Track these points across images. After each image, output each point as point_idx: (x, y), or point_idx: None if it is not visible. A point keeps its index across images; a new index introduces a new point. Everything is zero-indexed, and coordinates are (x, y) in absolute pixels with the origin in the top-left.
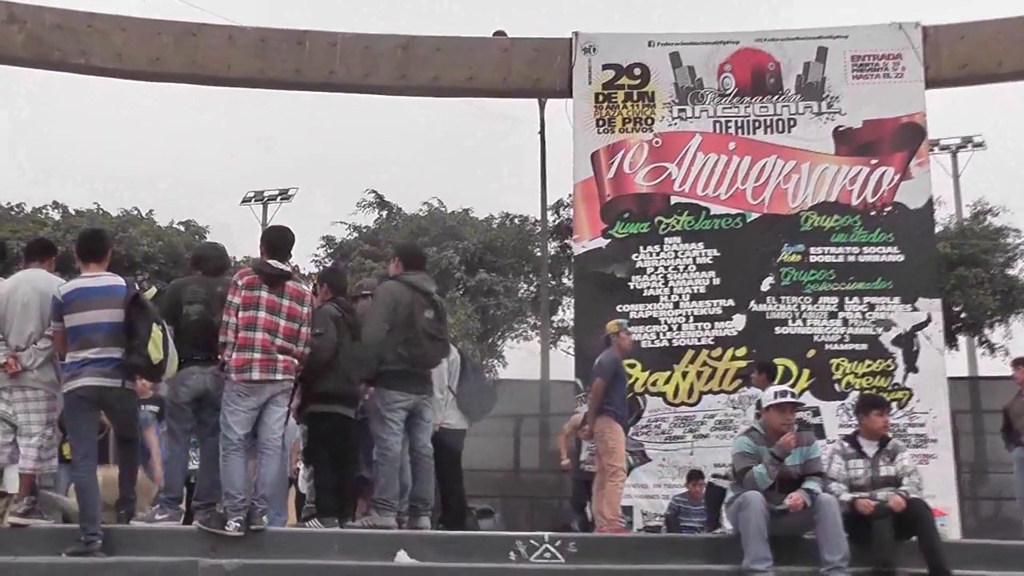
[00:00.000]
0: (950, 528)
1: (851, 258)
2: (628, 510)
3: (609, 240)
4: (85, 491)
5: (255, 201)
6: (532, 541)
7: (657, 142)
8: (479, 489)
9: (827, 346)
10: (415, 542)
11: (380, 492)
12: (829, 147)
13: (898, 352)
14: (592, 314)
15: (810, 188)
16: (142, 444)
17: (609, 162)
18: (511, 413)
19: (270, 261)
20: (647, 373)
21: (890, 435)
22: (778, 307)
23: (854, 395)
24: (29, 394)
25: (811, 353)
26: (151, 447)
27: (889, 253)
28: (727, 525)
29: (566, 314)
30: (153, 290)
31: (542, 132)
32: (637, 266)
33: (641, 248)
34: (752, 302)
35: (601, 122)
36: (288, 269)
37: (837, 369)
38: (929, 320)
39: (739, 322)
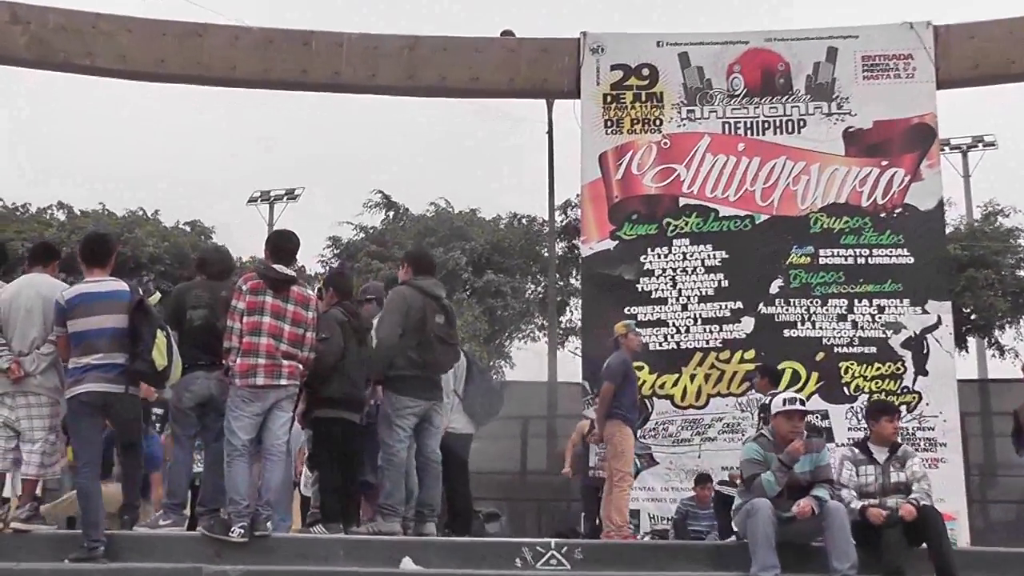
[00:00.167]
0: (959, 532)
1: (860, 260)
2: (635, 513)
3: (617, 242)
4: (87, 497)
5: (261, 201)
6: (538, 548)
7: (665, 143)
8: (486, 492)
9: (836, 349)
10: (421, 548)
11: (386, 498)
12: (839, 148)
13: (907, 355)
14: (600, 316)
15: (819, 189)
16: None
17: (617, 163)
18: (518, 415)
19: (275, 266)
20: (655, 375)
21: (900, 441)
22: (787, 309)
23: (863, 398)
24: (32, 399)
25: (820, 356)
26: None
27: (899, 255)
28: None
29: (574, 315)
30: (157, 295)
31: (550, 132)
32: (645, 268)
33: (649, 250)
34: (761, 304)
35: (609, 123)
36: (293, 274)
37: (846, 372)
38: (939, 323)
39: (747, 324)
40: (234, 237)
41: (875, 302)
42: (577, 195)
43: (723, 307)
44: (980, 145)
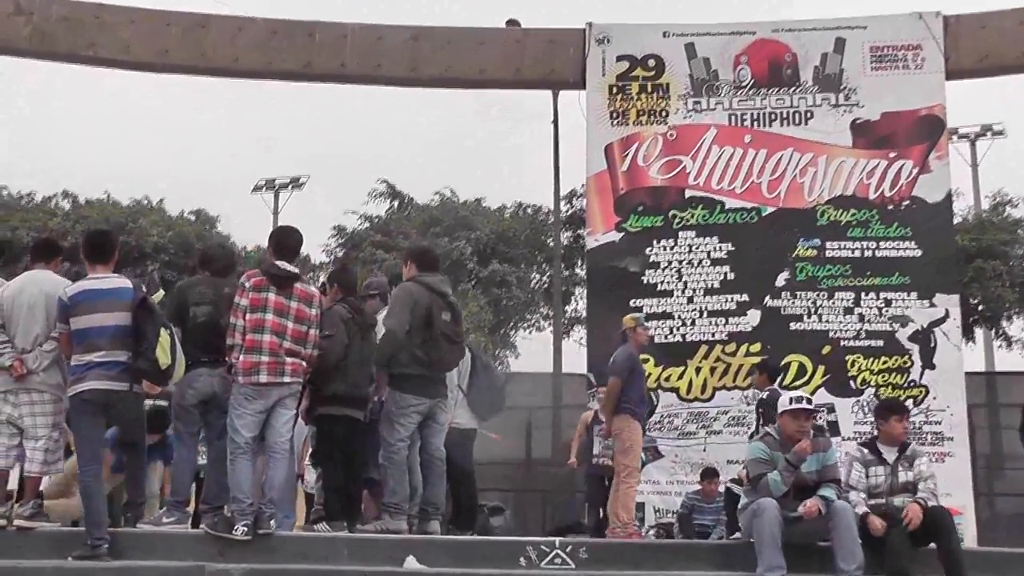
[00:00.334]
0: (966, 527)
1: (868, 253)
2: (640, 506)
3: (623, 234)
4: (91, 495)
5: (266, 189)
6: (543, 547)
7: (672, 135)
8: (491, 483)
9: (843, 342)
10: (425, 547)
11: (390, 496)
12: (846, 140)
13: (915, 349)
14: (605, 308)
15: (827, 182)
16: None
17: (623, 155)
18: (523, 405)
19: (278, 262)
20: (660, 368)
21: (909, 440)
22: (793, 302)
23: (870, 392)
24: (35, 397)
25: (826, 349)
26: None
27: (906, 248)
28: None
29: (579, 304)
30: (161, 292)
31: (555, 121)
32: (651, 260)
33: (655, 242)
34: (767, 297)
35: (615, 114)
36: (296, 270)
37: (853, 366)
38: (947, 316)
39: (753, 317)
40: (239, 226)
41: (882, 295)
42: (583, 185)
43: (729, 300)
44: (988, 134)
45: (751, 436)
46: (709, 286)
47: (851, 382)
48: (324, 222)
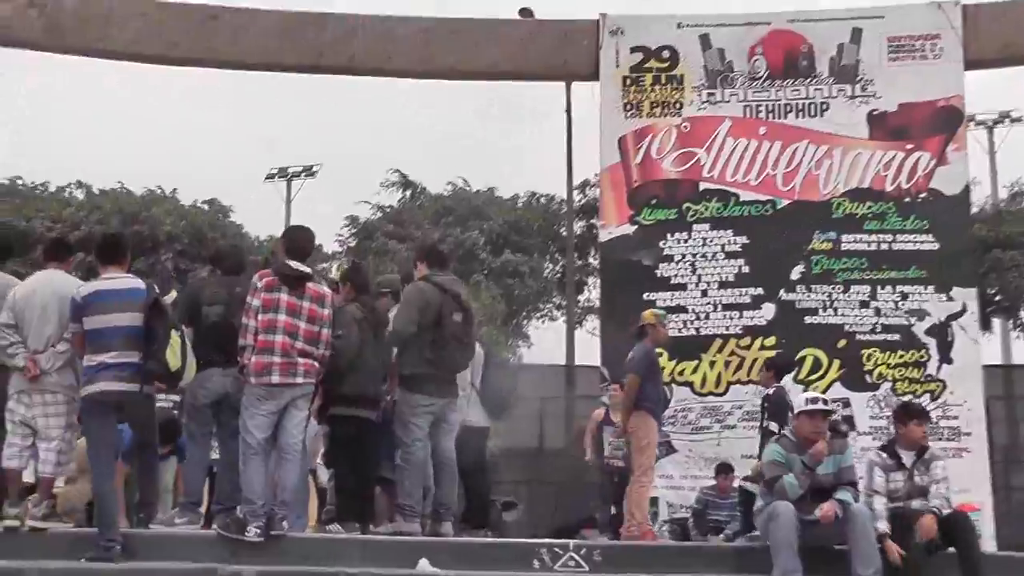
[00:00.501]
0: (984, 523)
1: (884, 246)
2: (654, 501)
3: (636, 227)
4: (103, 497)
5: (279, 178)
6: (556, 549)
7: (686, 127)
8: (504, 473)
9: (858, 336)
10: (438, 549)
11: (405, 498)
12: (863, 132)
13: (932, 343)
14: (618, 301)
15: (842, 174)
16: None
17: (637, 147)
18: (536, 396)
19: (289, 262)
20: (674, 362)
21: (928, 444)
22: (808, 296)
23: (886, 387)
24: (48, 397)
25: (842, 343)
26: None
27: (924, 241)
28: None
29: (592, 294)
30: (173, 293)
31: (568, 111)
32: (664, 253)
33: (669, 235)
34: (782, 291)
35: (629, 106)
36: (308, 270)
37: (869, 360)
38: (964, 310)
39: (768, 311)
40: (252, 216)
41: (899, 289)
42: (596, 174)
43: (743, 293)
44: (1007, 121)
45: (761, 432)
46: (723, 279)
47: (867, 376)
48: (338, 211)
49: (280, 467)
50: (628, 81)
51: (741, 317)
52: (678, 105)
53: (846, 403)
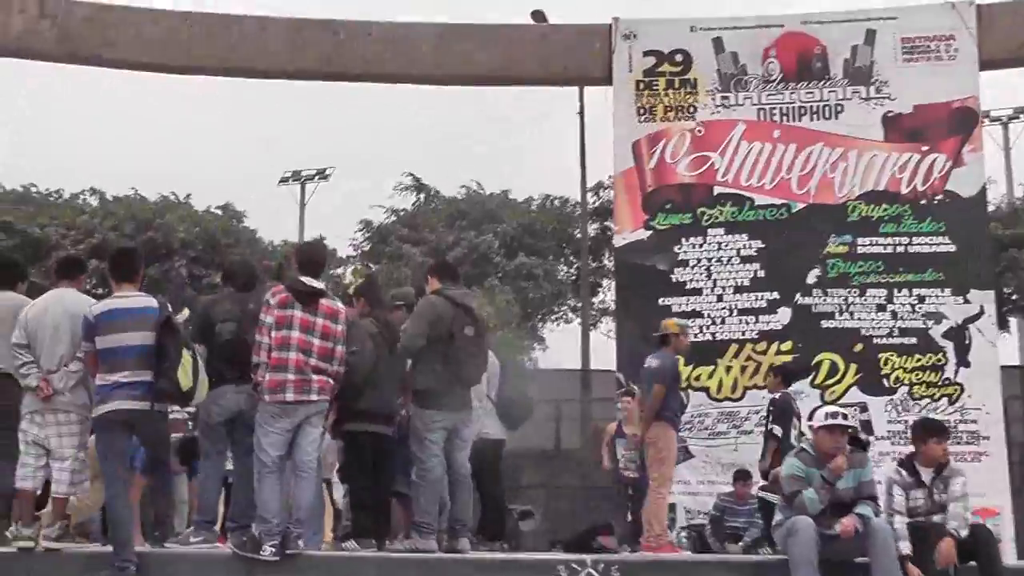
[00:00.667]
0: (1003, 528)
1: (900, 249)
2: (671, 507)
3: (651, 232)
4: (117, 516)
5: (293, 181)
6: (574, 564)
7: (699, 131)
8: (519, 480)
9: (875, 340)
10: (455, 566)
11: (421, 515)
12: (878, 134)
13: (949, 346)
14: (634, 307)
15: (858, 176)
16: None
17: (651, 152)
18: (552, 400)
19: (303, 278)
20: (690, 368)
21: (948, 459)
22: (824, 300)
23: (903, 391)
24: (61, 417)
25: (858, 347)
26: None
27: (940, 243)
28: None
29: (607, 296)
30: (186, 312)
31: (581, 113)
32: (679, 258)
33: (683, 240)
34: (797, 295)
35: (642, 110)
36: (321, 286)
37: (885, 364)
38: (982, 312)
39: (784, 315)
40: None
41: (915, 292)
42: (610, 177)
43: (759, 298)
44: (1022, 116)
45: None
46: (739, 284)
47: (884, 380)
48: (350, 214)
49: (295, 485)
50: (641, 85)
51: (757, 322)
52: (692, 109)
53: (863, 407)
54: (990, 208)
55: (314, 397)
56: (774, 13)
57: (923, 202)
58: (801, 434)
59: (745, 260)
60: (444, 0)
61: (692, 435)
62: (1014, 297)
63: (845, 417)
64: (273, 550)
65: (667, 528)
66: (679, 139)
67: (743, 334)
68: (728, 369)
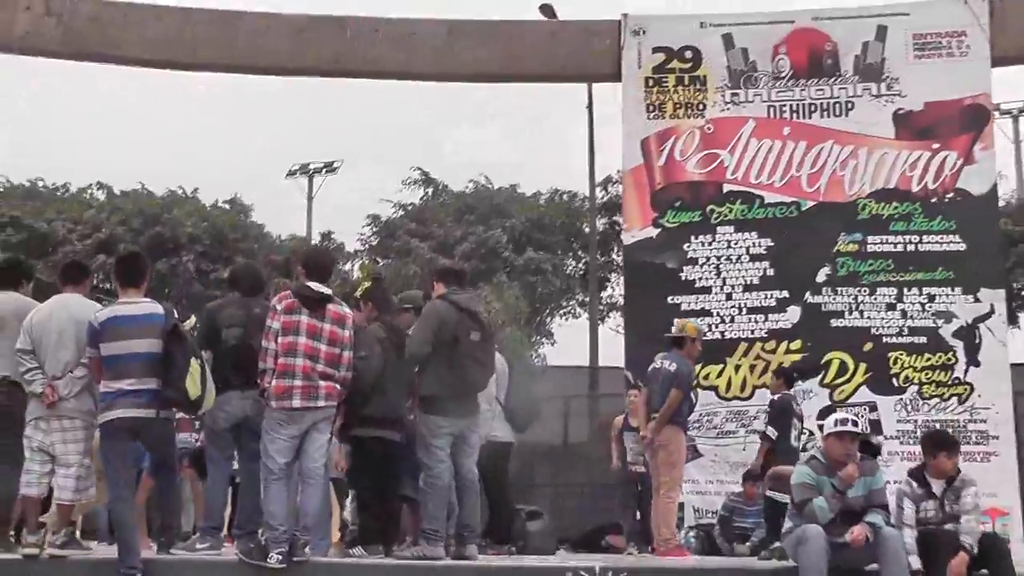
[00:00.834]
0: (1013, 527)
1: (911, 247)
2: (680, 507)
3: (660, 230)
4: (122, 523)
5: (300, 174)
6: (583, 572)
7: (709, 128)
8: (528, 478)
9: (885, 339)
10: (463, 573)
11: (429, 522)
12: (888, 131)
13: (959, 345)
14: (642, 305)
15: (868, 174)
16: None
17: (660, 149)
18: (560, 396)
19: (309, 283)
20: (699, 366)
21: (959, 471)
22: (834, 299)
23: (912, 390)
24: (66, 424)
25: (868, 346)
26: None
27: (951, 242)
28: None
29: (615, 290)
30: (192, 319)
31: (590, 107)
32: (688, 256)
33: (693, 238)
34: (807, 293)
35: (651, 107)
36: (328, 291)
37: (895, 363)
38: (992, 312)
39: (794, 314)
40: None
41: (925, 290)
42: (618, 171)
43: (769, 296)
44: None
45: (762, 435)
46: (748, 282)
47: (893, 380)
48: (358, 208)
49: (302, 492)
50: (651, 82)
51: (766, 320)
52: (701, 106)
53: (872, 407)
54: (1000, 204)
55: (321, 403)
56: (784, 9)
57: (934, 200)
58: (803, 433)
59: (754, 258)
60: None
61: (700, 434)
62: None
63: (855, 424)
64: (280, 557)
65: (676, 532)
66: (688, 136)
67: (752, 333)
68: (737, 368)
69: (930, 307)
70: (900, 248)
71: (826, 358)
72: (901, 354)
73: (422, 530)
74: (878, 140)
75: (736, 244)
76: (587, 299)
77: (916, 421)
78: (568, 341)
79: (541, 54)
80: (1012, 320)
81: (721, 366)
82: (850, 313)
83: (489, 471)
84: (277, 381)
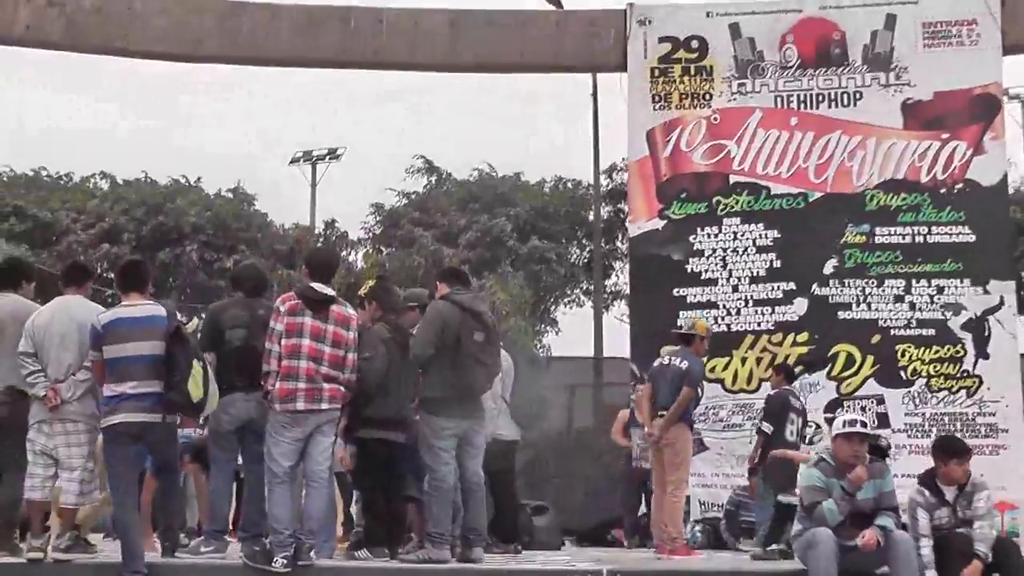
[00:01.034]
0: (1021, 521)
1: (919, 239)
2: (686, 500)
3: (666, 221)
4: (126, 528)
5: (304, 161)
6: (590, 575)
7: (715, 119)
8: (531, 471)
9: (893, 331)
10: (469, 575)
11: (434, 525)
12: (897, 121)
13: (968, 337)
14: (648, 297)
15: (876, 165)
16: None
17: (665, 140)
18: (565, 383)
19: (313, 284)
20: (705, 359)
21: (970, 475)
22: (841, 291)
23: (920, 383)
24: (69, 427)
25: (876, 339)
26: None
27: (960, 233)
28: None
29: (620, 278)
30: (196, 321)
31: (595, 95)
32: (695, 248)
33: (699, 229)
34: (814, 285)
35: (657, 98)
36: (332, 293)
37: (903, 355)
38: (1002, 303)
39: (800, 306)
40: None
41: (934, 282)
42: (623, 159)
43: (775, 288)
44: None
45: (757, 430)
46: (755, 274)
47: (901, 372)
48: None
49: (307, 495)
50: (656, 72)
51: (773, 313)
52: (707, 96)
53: (880, 400)
54: (1010, 192)
55: (325, 406)
56: None
57: (943, 191)
58: (807, 426)
59: (761, 250)
60: None
61: (707, 427)
62: None
63: (864, 425)
64: (285, 562)
65: (683, 530)
66: (695, 127)
67: (759, 325)
68: (744, 360)
69: (939, 299)
70: (908, 240)
71: (833, 350)
72: (909, 346)
73: (427, 533)
74: (886, 130)
75: (743, 236)
76: (591, 288)
77: (924, 414)
78: (572, 330)
79: (546, 44)
80: (1021, 309)
81: (728, 358)
82: (857, 305)
83: (495, 470)
84: (281, 384)
